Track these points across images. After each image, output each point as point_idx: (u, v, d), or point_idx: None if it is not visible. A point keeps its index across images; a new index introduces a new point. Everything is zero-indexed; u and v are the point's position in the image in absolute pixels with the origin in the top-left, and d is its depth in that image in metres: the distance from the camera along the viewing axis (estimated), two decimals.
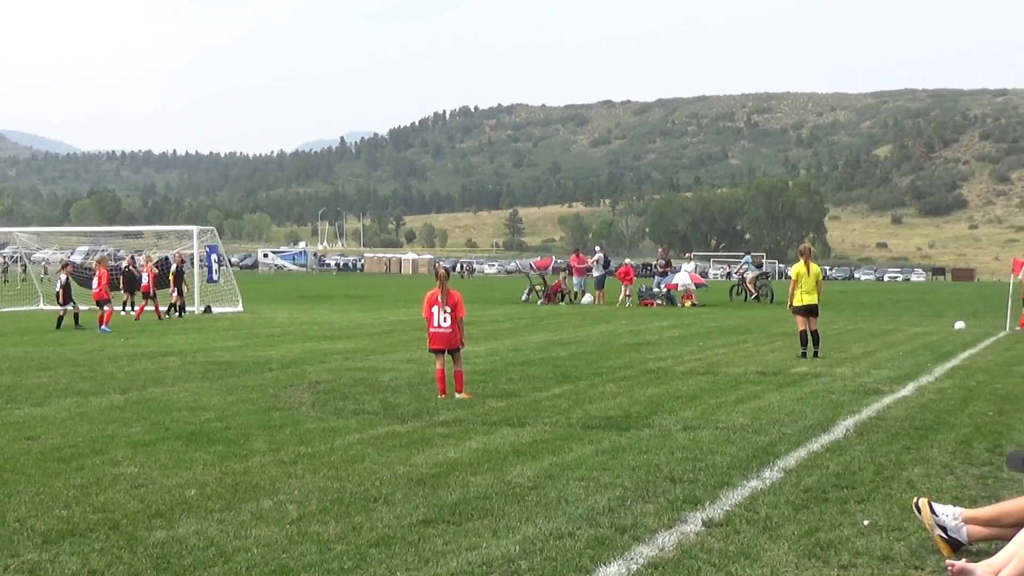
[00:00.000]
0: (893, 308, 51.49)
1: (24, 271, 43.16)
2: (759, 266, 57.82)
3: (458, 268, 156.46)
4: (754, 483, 9.82)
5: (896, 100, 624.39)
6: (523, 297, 53.08)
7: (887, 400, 15.68)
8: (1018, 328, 32.35)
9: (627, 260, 57.47)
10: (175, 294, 37.79)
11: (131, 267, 40.49)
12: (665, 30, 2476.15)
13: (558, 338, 27.98)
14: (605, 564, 7.32)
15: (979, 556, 7.27)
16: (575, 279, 53.66)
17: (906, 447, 11.70)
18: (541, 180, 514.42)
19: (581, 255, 54.97)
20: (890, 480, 9.98)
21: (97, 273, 32.65)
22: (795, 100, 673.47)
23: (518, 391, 16.53)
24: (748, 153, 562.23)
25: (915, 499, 8.12)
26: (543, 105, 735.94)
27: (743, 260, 63.39)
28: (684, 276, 50.92)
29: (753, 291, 55.20)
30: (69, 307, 31.80)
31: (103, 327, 30.17)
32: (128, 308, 39.19)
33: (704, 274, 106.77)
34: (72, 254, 78.75)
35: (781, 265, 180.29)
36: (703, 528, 8.26)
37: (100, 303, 31.31)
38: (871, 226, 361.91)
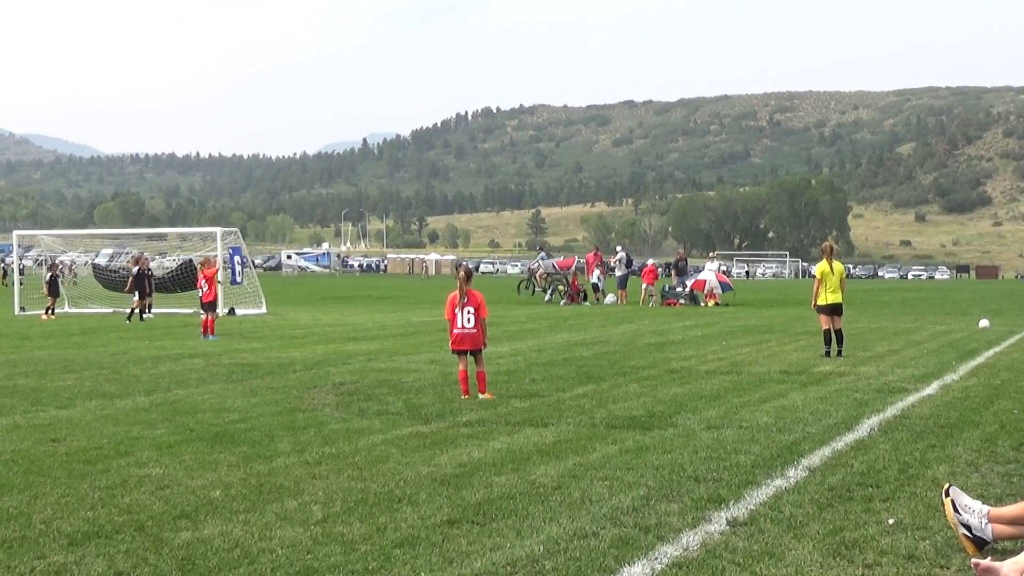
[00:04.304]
0: (917, 306, 51.36)
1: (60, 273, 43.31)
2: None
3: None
4: (778, 482, 9.81)
5: (919, 98, 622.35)
6: (546, 297, 53.09)
7: (911, 398, 15.63)
8: None
9: (650, 260, 57.63)
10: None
11: (145, 269, 40.29)
12: (686, 30, 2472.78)
13: (581, 338, 27.97)
14: (629, 564, 7.32)
15: (1004, 555, 7.23)
16: (588, 276, 53.60)
17: (931, 445, 11.66)
18: (563, 180, 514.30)
19: (599, 253, 54.89)
20: (915, 478, 9.95)
21: (202, 275, 30.25)
22: (817, 98, 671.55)
23: (541, 391, 16.53)
24: (771, 152, 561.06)
25: (945, 486, 8.11)
26: (565, 105, 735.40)
27: (539, 256, 65.38)
28: (710, 275, 50.85)
29: (541, 286, 56.80)
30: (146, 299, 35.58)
31: (209, 335, 28.45)
32: (146, 312, 39.12)
33: (727, 273, 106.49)
34: (97, 256, 78.99)
35: (805, 264, 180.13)
36: (727, 527, 8.25)
37: (206, 307, 29.31)
38: (894, 224, 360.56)
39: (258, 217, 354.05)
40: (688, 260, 55.14)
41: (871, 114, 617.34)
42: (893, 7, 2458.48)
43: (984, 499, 8.46)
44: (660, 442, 11.85)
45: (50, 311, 39.31)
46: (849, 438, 12.15)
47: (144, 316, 38.13)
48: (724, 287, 51.25)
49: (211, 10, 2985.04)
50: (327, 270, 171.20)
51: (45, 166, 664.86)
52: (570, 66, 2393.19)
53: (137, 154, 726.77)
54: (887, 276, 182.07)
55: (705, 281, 50.37)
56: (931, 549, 7.67)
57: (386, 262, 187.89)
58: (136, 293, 38.01)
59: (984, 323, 32.68)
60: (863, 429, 12.77)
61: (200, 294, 29.83)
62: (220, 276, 39.14)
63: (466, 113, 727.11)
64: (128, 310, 38.04)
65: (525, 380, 18.05)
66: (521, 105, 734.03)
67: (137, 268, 39.08)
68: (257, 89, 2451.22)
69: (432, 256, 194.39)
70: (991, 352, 23.74)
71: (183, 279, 43.08)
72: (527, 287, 61.20)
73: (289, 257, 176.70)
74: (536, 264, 62.75)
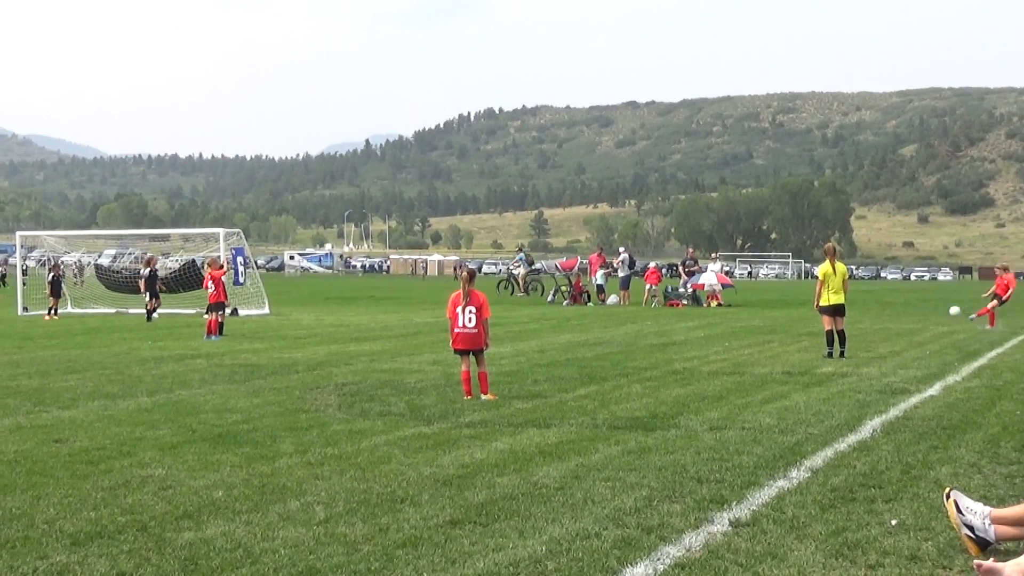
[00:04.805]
0: (920, 307, 51.31)
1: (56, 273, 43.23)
2: (531, 263, 63.51)
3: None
4: (781, 483, 9.81)
5: (922, 99, 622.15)
6: (549, 298, 53.06)
7: (914, 400, 15.63)
8: (973, 317, 32.72)
9: (652, 263, 57.72)
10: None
11: (153, 269, 40.45)
12: (689, 30, 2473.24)
13: (584, 339, 27.96)
14: (632, 564, 7.32)
15: (1007, 555, 7.24)
16: (592, 277, 53.61)
17: (933, 446, 11.66)
18: (566, 181, 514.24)
19: (602, 254, 54.87)
20: (918, 479, 9.95)
21: (209, 276, 30.16)
22: (820, 100, 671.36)
23: (544, 392, 16.53)
24: (773, 153, 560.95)
25: (947, 488, 8.12)
26: (568, 106, 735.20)
27: (517, 256, 67.60)
28: (711, 276, 50.89)
29: (522, 286, 60.16)
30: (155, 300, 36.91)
31: (212, 336, 28.43)
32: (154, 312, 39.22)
33: (730, 274, 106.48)
34: (100, 257, 78.98)
35: (807, 265, 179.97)
36: (730, 528, 8.25)
37: (212, 308, 29.41)
38: (897, 225, 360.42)
39: (261, 218, 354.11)
40: (697, 260, 55.33)
41: (874, 115, 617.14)
42: (895, 8, 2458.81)
43: (986, 500, 8.47)
44: (662, 443, 11.85)
45: (53, 311, 39.32)
46: (852, 439, 12.15)
47: (151, 317, 38.24)
48: (723, 285, 51.37)
49: (214, 11, 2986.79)
50: (330, 271, 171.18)
51: (48, 167, 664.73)
52: (572, 67, 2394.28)
53: (140, 155, 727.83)
54: (890, 277, 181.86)
55: (703, 284, 50.42)
56: (934, 550, 7.67)
57: (389, 263, 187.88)
58: (148, 294, 38.09)
59: (954, 310, 32.91)
60: (865, 430, 12.77)
61: (208, 294, 29.80)
62: (224, 278, 39.15)
63: (468, 114, 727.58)
64: (145, 312, 38.03)
65: (527, 381, 18.05)
66: (524, 106, 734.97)
67: (149, 270, 39.11)
68: (260, 90, 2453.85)
69: (436, 257, 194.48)
70: (993, 353, 23.74)
71: (185, 279, 43.10)
72: (506, 287, 62.52)
73: (292, 258, 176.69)
74: (516, 264, 63.90)
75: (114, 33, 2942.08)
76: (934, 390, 16.84)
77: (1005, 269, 34.33)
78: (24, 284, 44.93)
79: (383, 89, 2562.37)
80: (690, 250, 57.45)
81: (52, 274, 40.83)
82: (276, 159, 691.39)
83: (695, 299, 49.27)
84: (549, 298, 52.98)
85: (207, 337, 28.31)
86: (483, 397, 15.49)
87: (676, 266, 61.07)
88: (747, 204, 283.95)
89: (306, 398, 15.87)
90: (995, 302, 33.00)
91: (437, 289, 74.91)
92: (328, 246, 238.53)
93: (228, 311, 35.19)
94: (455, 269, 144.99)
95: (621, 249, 56.41)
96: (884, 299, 63.93)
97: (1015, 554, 7.20)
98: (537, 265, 62.65)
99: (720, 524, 8.36)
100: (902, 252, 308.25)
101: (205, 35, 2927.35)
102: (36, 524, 8.38)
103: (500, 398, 15.58)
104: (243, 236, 47.47)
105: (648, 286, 50.91)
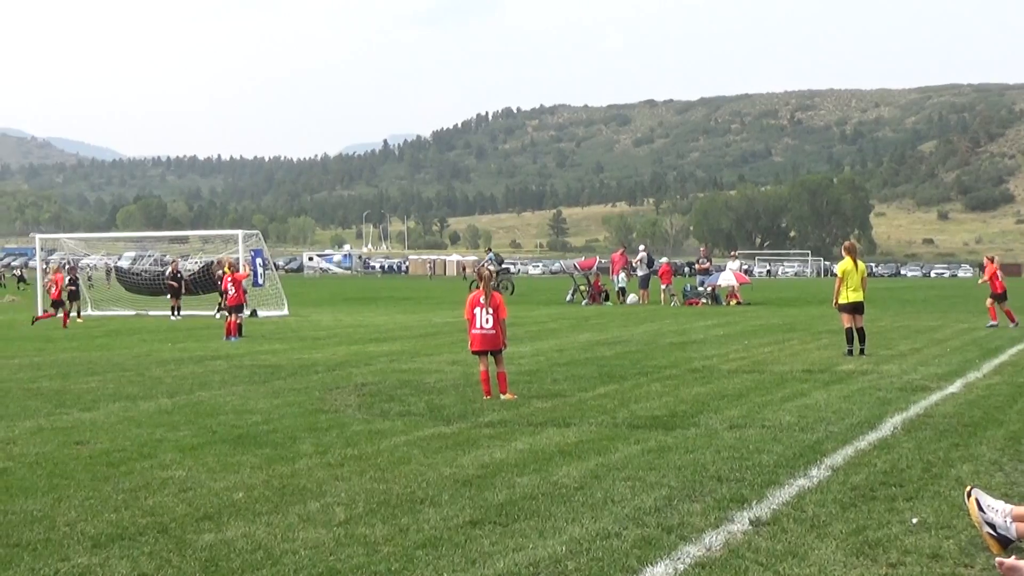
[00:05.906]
0: (940, 304, 51.16)
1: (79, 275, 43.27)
2: (500, 262, 65.32)
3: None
4: (801, 481, 9.78)
5: (941, 95, 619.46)
6: (567, 297, 53.04)
7: (935, 397, 15.57)
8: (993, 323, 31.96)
9: (664, 259, 57.69)
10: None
11: (176, 272, 40.79)
12: (707, 28, 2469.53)
13: (603, 338, 27.94)
14: (652, 564, 7.31)
15: None
16: (613, 277, 53.56)
17: (954, 444, 11.61)
18: (584, 180, 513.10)
19: (624, 254, 54.81)
20: (939, 477, 9.91)
21: (229, 278, 30.10)
22: (839, 96, 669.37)
23: (563, 391, 16.53)
24: (792, 150, 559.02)
25: (968, 486, 8.08)
26: (585, 105, 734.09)
27: (488, 256, 68.59)
28: (729, 275, 50.85)
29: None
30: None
31: (232, 337, 28.58)
32: (176, 314, 39.44)
33: (748, 272, 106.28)
34: (119, 259, 79.14)
35: (827, 263, 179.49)
36: (750, 527, 8.23)
37: (232, 309, 29.60)
38: (917, 222, 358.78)
39: (279, 219, 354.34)
40: (710, 257, 55.41)
41: (893, 112, 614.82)
42: (914, 4, 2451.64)
43: (1008, 498, 8.43)
44: (682, 442, 11.83)
45: (76, 314, 39.37)
46: (872, 437, 12.11)
47: (173, 317, 38.55)
48: (741, 284, 51.35)
49: (232, 13, 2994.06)
50: (349, 271, 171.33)
51: (67, 169, 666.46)
52: (590, 66, 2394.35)
53: (159, 157, 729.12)
54: (910, 275, 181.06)
55: (721, 283, 50.40)
56: (955, 548, 7.64)
57: (407, 263, 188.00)
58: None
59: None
60: (886, 428, 12.73)
61: (227, 296, 29.89)
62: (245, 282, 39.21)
63: (486, 113, 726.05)
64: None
65: (547, 380, 18.05)
66: (541, 105, 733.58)
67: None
68: (278, 91, 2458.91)
69: (454, 257, 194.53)
70: (1015, 350, 23.64)
71: (204, 281, 43.21)
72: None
73: (311, 259, 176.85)
74: (486, 263, 64.67)
75: (133, 36, 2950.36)
76: (955, 387, 16.79)
77: (991, 260, 33.31)
78: (44, 287, 45.07)
79: (401, 89, 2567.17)
80: (703, 248, 57.48)
81: (68, 277, 40.92)
82: (294, 160, 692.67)
83: (714, 298, 49.22)
84: (568, 297, 52.98)
85: (227, 338, 28.38)
86: (502, 397, 15.49)
87: (693, 264, 61.24)
88: (766, 202, 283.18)
89: (326, 399, 15.89)
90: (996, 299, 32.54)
91: (454, 289, 74.90)
92: (347, 247, 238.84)
93: (247, 312, 35.29)
94: (463, 269, 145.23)
95: (640, 248, 56.41)
96: (904, 296, 63.75)
97: None
98: (506, 265, 63.29)
99: (740, 523, 8.34)
100: (922, 249, 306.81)
101: (223, 37, 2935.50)
102: (57, 526, 8.41)
103: (519, 398, 15.58)
104: (262, 237, 47.56)
105: (663, 286, 50.86)
